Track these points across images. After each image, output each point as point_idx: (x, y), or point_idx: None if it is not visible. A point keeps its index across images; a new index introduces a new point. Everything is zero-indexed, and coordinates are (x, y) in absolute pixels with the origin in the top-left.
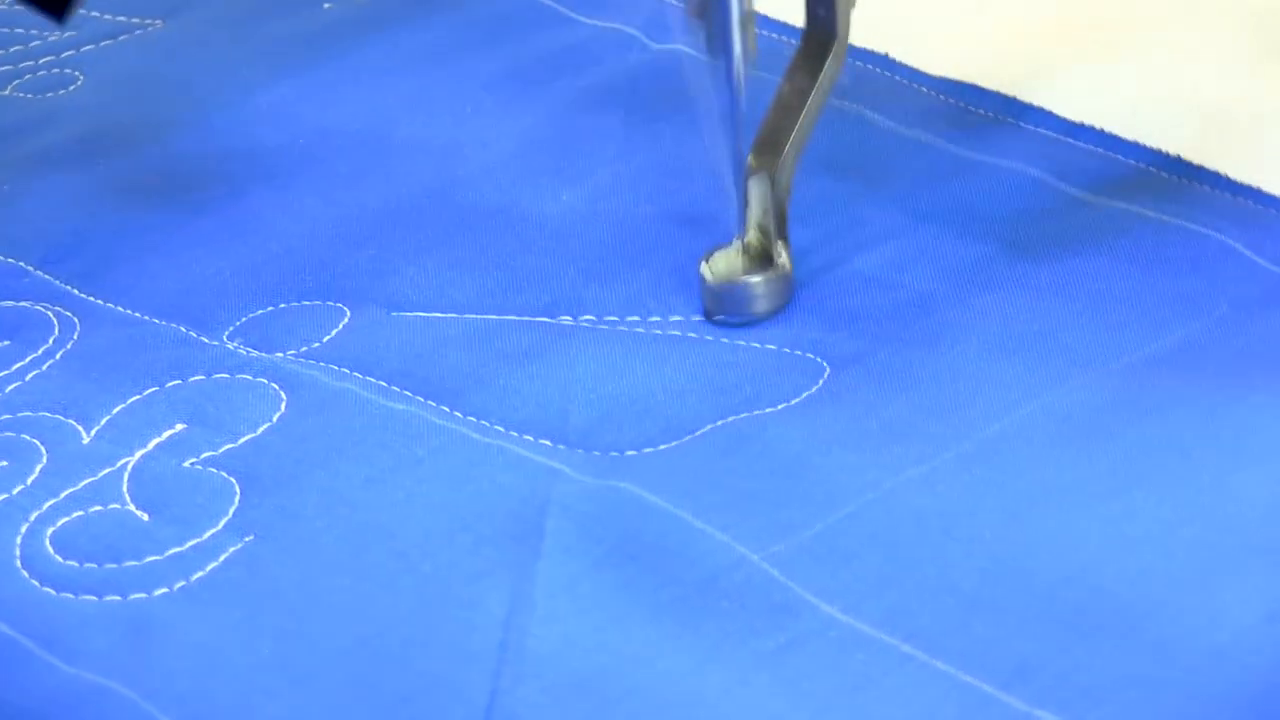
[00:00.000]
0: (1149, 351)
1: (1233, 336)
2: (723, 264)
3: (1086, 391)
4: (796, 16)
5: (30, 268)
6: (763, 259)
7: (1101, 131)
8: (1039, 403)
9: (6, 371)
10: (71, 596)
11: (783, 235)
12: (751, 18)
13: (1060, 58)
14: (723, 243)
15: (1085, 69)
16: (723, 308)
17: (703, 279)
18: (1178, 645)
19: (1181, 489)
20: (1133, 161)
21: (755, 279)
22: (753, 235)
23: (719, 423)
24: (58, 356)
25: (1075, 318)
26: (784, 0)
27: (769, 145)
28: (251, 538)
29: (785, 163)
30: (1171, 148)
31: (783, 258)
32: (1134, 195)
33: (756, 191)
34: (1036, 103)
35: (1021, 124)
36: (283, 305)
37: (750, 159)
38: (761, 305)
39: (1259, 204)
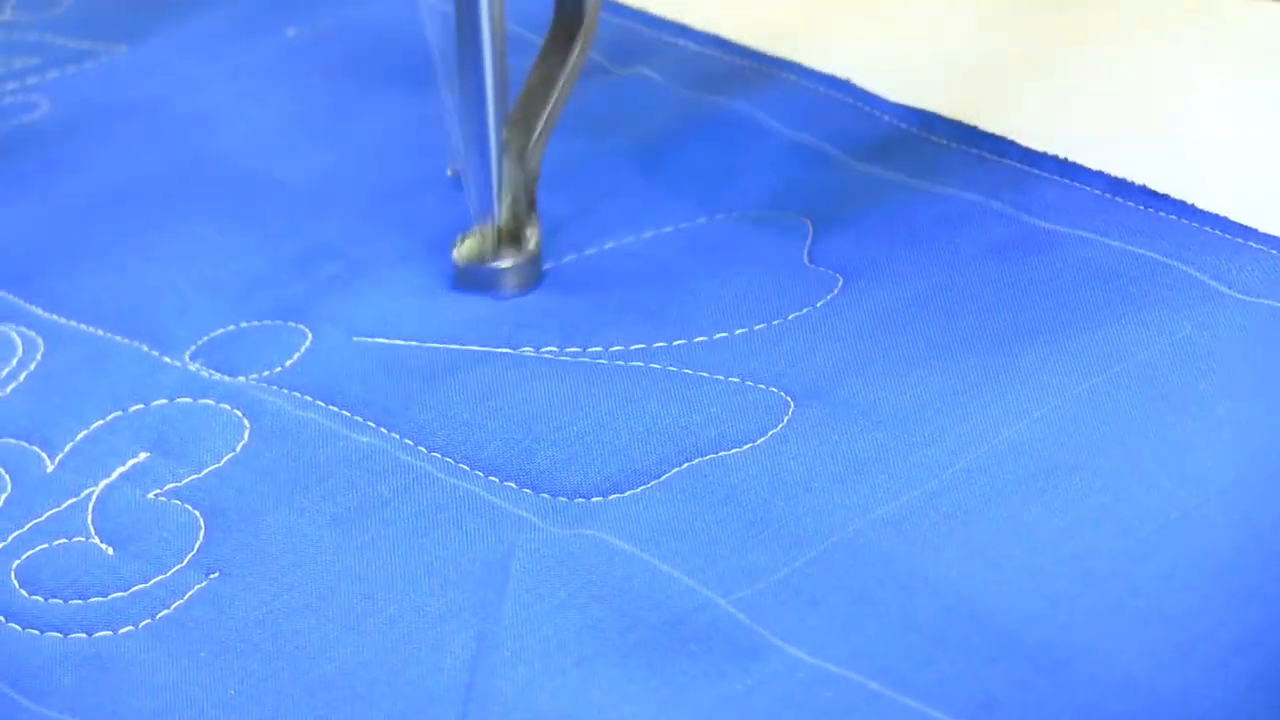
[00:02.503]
0: (1111, 374)
1: (1197, 359)
2: (473, 244)
3: (1049, 423)
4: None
5: None
6: (512, 240)
7: (1063, 160)
8: (1002, 437)
9: None
10: (36, 633)
11: (533, 217)
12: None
13: (1019, 84)
14: (478, 222)
15: (1045, 96)
16: (471, 286)
17: (453, 259)
18: (1144, 681)
19: (1145, 523)
20: (1095, 190)
21: (502, 262)
22: (504, 217)
23: (684, 465)
24: (21, 379)
25: (1037, 347)
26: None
27: (520, 128)
28: (216, 575)
29: (536, 146)
30: (1135, 175)
31: (531, 240)
32: (1095, 224)
33: (509, 170)
34: (996, 131)
35: (982, 153)
36: (244, 324)
37: (505, 137)
38: (509, 286)
39: (1225, 233)
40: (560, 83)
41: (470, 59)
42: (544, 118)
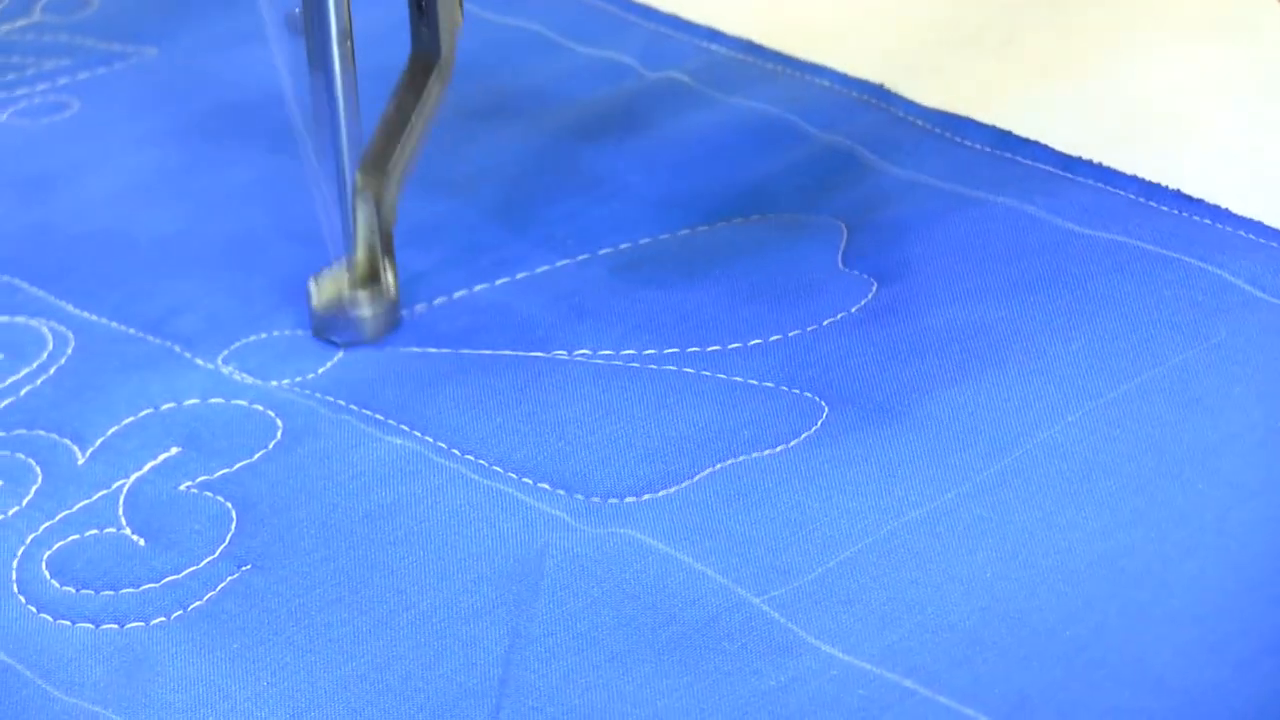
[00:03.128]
0: (1145, 379)
1: (1230, 362)
2: (330, 285)
3: (1083, 426)
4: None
5: (24, 284)
6: (369, 280)
7: (1097, 164)
8: (1036, 441)
9: (1, 386)
10: (68, 624)
11: (389, 256)
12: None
13: (1052, 88)
14: (332, 264)
15: (1079, 100)
16: (329, 330)
17: (309, 299)
18: (1177, 681)
19: (1179, 525)
20: (1129, 194)
21: (360, 302)
22: (361, 255)
23: (717, 466)
24: (51, 372)
25: (1071, 351)
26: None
27: (375, 166)
28: (249, 567)
29: (390, 183)
30: (1169, 179)
31: (388, 279)
32: (1130, 228)
33: (363, 212)
34: (1030, 135)
35: (1016, 157)
36: (276, 333)
37: (357, 179)
38: (367, 328)
39: (1260, 237)
40: (416, 121)
41: (323, 95)
42: (400, 158)
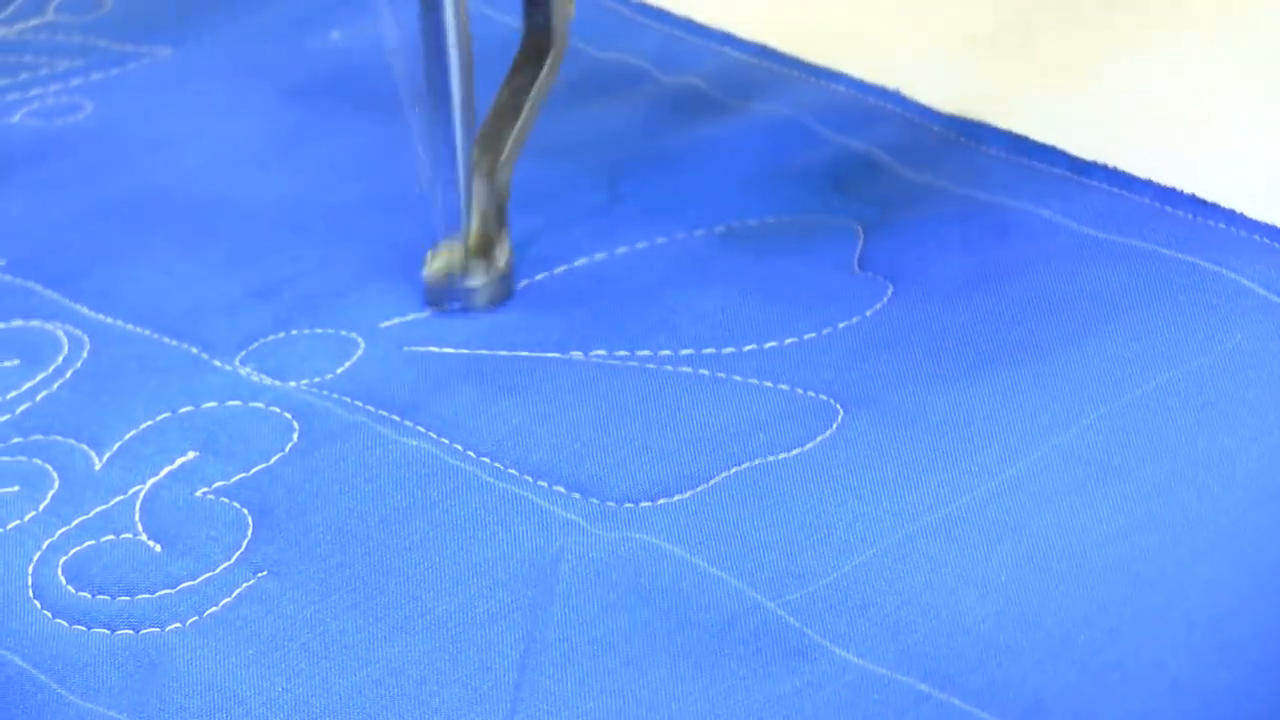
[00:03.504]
0: (1161, 382)
1: (1246, 367)
2: (443, 259)
3: (1098, 430)
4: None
5: (39, 287)
6: (482, 255)
7: (1112, 169)
8: (1052, 444)
9: (17, 391)
10: (84, 629)
11: (503, 232)
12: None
13: (1071, 94)
14: (448, 239)
15: (1095, 104)
16: (441, 301)
17: (424, 272)
18: (1192, 684)
19: (1194, 528)
20: (1144, 199)
21: (472, 276)
22: (474, 232)
23: (733, 470)
24: (67, 376)
25: (1086, 355)
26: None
27: (490, 146)
28: (265, 573)
29: (505, 163)
30: (1185, 184)
31: (502, 255)
32: (1146, 233)
33: (478, 190)
34: (1046, 140)
35: (1031, 162)
36: (294, 332)
37: (473, 156)
38: (478, 300)
39: (1275, 241)
40: (529, 101)
41: (438, 77)
42: (513, 136)
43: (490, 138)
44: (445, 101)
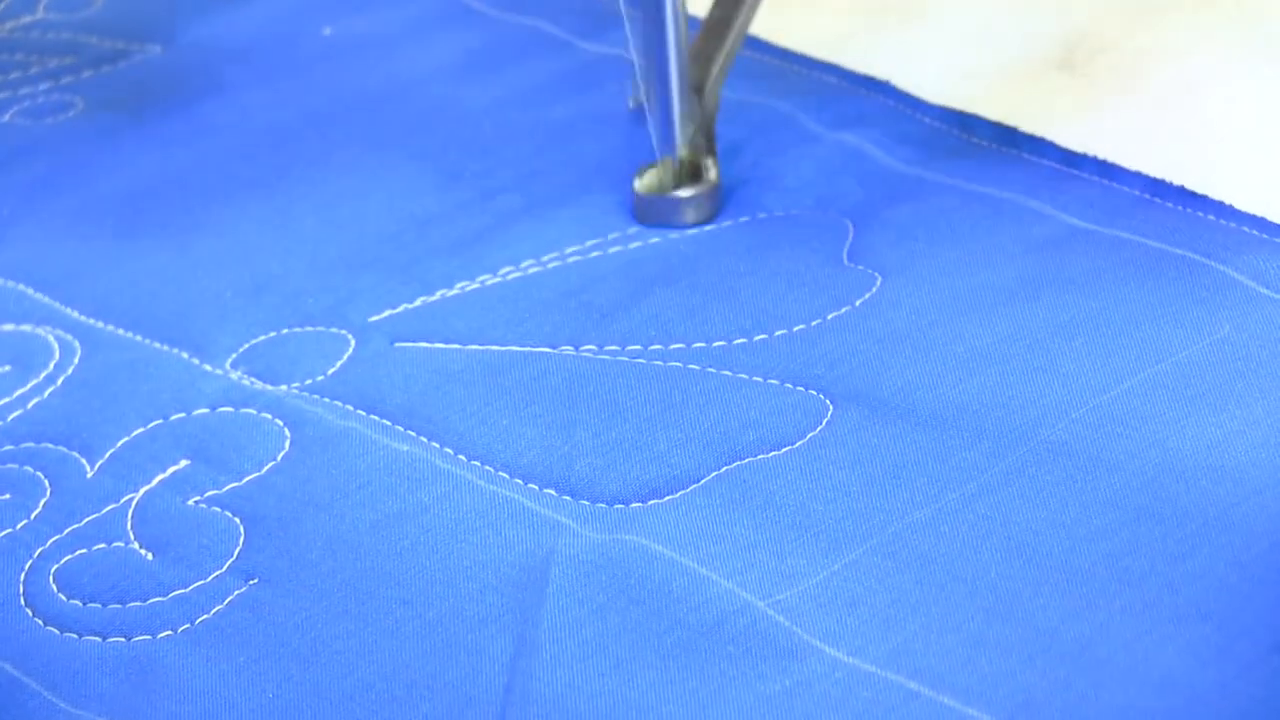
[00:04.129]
0: (1149, 374)
1: (1234, 358)
2: (653, 177)
3: (1087, 423)
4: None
5: (30, 290)
6: (692, 173)
7: (1102, 161)
8: (1041, 438)
9: (8, 399)
10: (75, 637)
11: (712, 151)
12: None
13: (1060, 86)
14: (655, 160)
15: (1086, 97)
16: (651, 217)
17: (634, 190)
18: (1182, 679)
19: (1183, 522)
20: (1134, 190)
21: (683, 191)
22: (683, 150)
23: (723, 469)
24: (59, 383)
25: (1075, 347)
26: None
27: (699, 65)
28: (256, 580)
29: (715, 82)
30: (1174, 176)
31: (711, 171)
32: (1135, 224)
33: (688, 108)
34: (1035, 132)
35: (1021, 154)
36: (285, 331)
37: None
38: (689, 215)
39: (1263, 233)
40: (738, 21)
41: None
42: (723, 55)
43: (701, 57)
44: (659, 18)
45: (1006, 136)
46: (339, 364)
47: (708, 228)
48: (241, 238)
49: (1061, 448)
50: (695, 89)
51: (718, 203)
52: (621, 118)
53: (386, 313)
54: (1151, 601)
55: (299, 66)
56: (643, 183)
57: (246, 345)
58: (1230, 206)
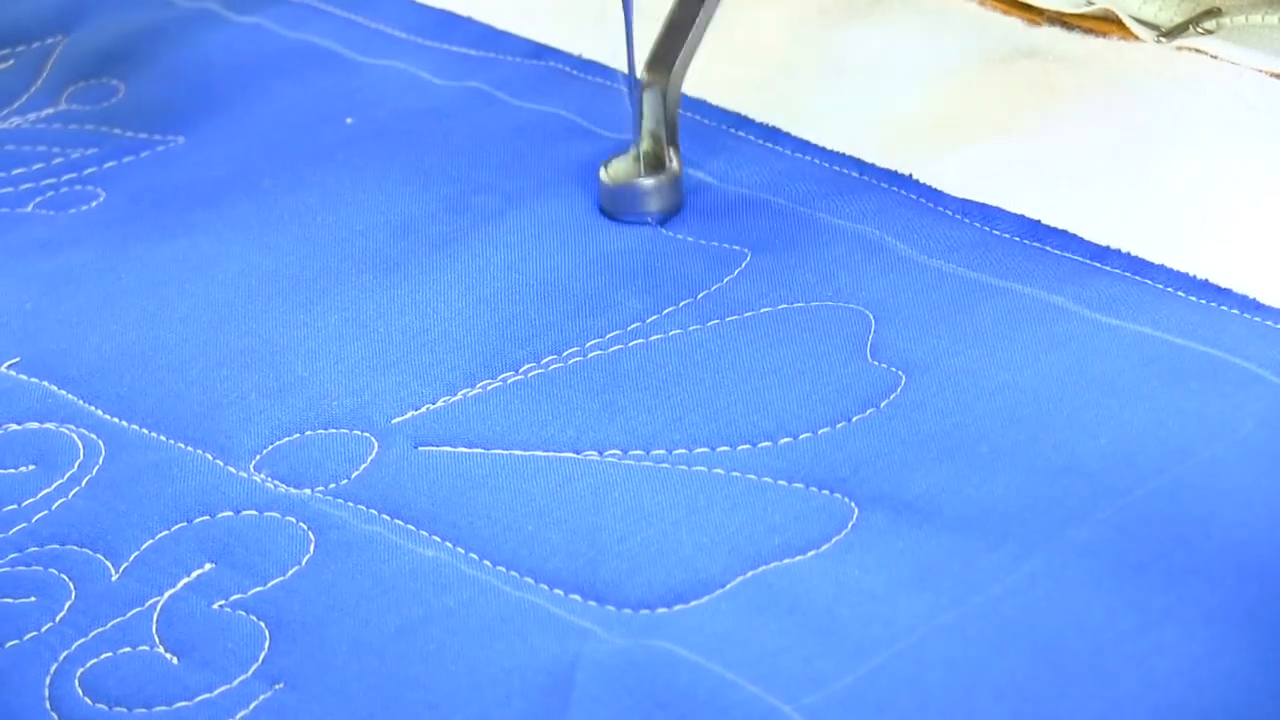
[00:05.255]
0: (1174, 474)
1: (1259, 456)
2: (619, 168)
3: (1112, 524)
4: None
5: (54, 388)
6: (655, 164)
7: (1126, 254)
8: (1066, 540)
9: (33, 499)
10: None
11: (674, 143)
12: None
13: (1085, 180)
14: (620, 151)
15: (1109, 191)
16: (619, 208)
17: (600, 180)
18: None
19: (1210, 623)
20: (1158, 284)
21: (648, 181)
22: (646, 143)
23: (749, 574)
24: (83, 483)
25: (1099, 447)
26: None
27: (661, 61)
28: (281, 685)
29: (675, 77)
30: (1198, 270)
31: (673, 163)
32: (1159, 320)
33: (650, 104)
34: (1060, 225)
35: (1045, 247)
36: (309, 433)
37: (643, 73)
38: (654, 204)
39: None
40: (698, 18)
41: None
42: (683, 51)
43: (662, 53)
44: (626, 17)
45: (1029, 230)
46: (362, 467)
47: (730, 318)
48: (265, 335)
49: (1087, 549)
50: (657, 83)
51: (680, 194)
52: None
53: (410, 414)
54: (1179, 703)
55: (321, 156)
56: (608, 174)
57: (270, 446)
58: (1255, 300)
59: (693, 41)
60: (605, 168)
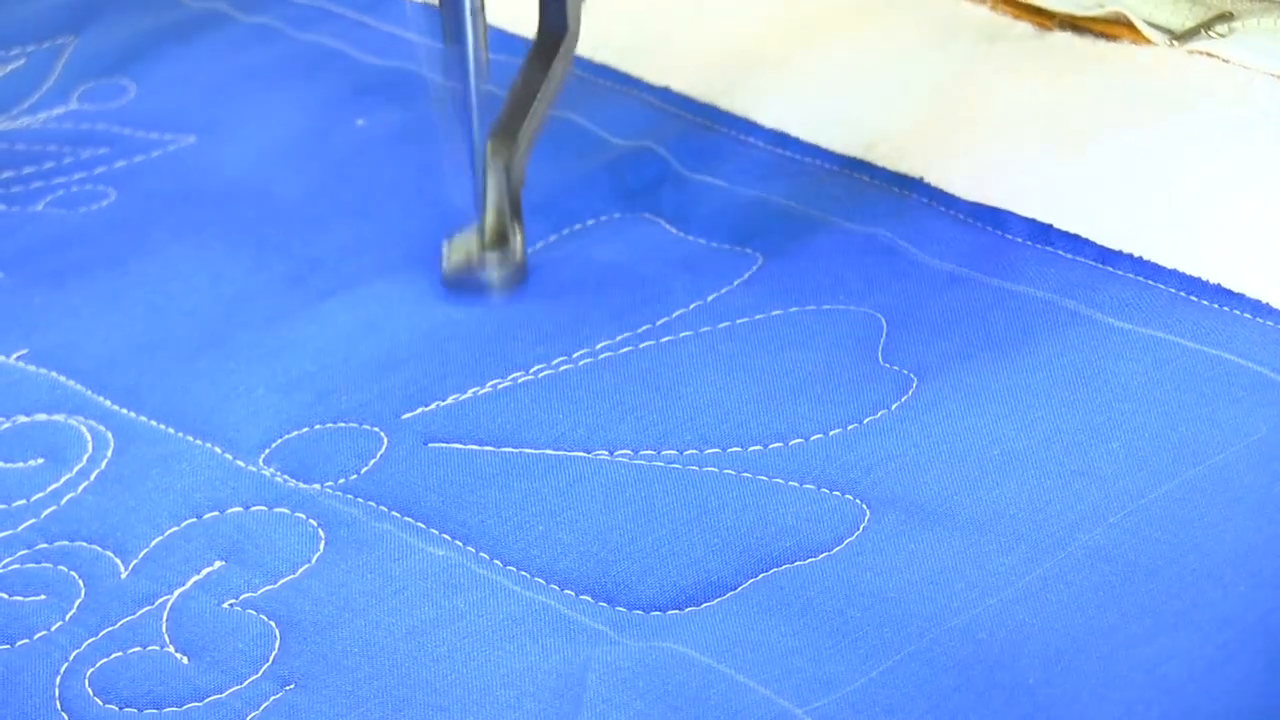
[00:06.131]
0: (1187, 478)
1: (1272, 460)
2: (461, 245)
3: (1125, 528)
4: None
5: (62, 378)
6: (499, 241)
7: (1138, 258)
8: (1079, 543)
9: (41, 494)
10: None
11: (517, 219)
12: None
13: (1096, 184)
14: (464, 225)
15: (1121, 194)
16: (461, 285)
17: (442, 258)
18: None
19: (1223, 628)
20: (1170, 289)
21: (492, 257)
22: (490, 219)
23: (760, 576)
24: (92, 477)
25: (1112, 450)
26: None
27: (505, 136)
28: (292, 686)
29: (519, 152)
30: (1210, 274)
31: (516, 240)
32: (1171, 324)
33: (493, 179)
34: (1071, 229)
35: (1057, 251)
36: (318, 426)
37: (487, 148)
38: (495, 283)
39: None
40: (542, 94)
41: (456, 69)
42: (527, 128)
43: (506, 129)
44: (464, 91)
45: (1041, 233)
46: (372, 463)
47: (740, 321)
48: (274, 330)
49: (1099, 552)
50: (501, 163)
51: (524, 271)
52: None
53: (419, 410)
54: (1190, 709)
55: (332, 159)
56: (450, 251)
57: (279, 440)
58: (1267, 305)
59: (538, 113)
60: (448, 243)
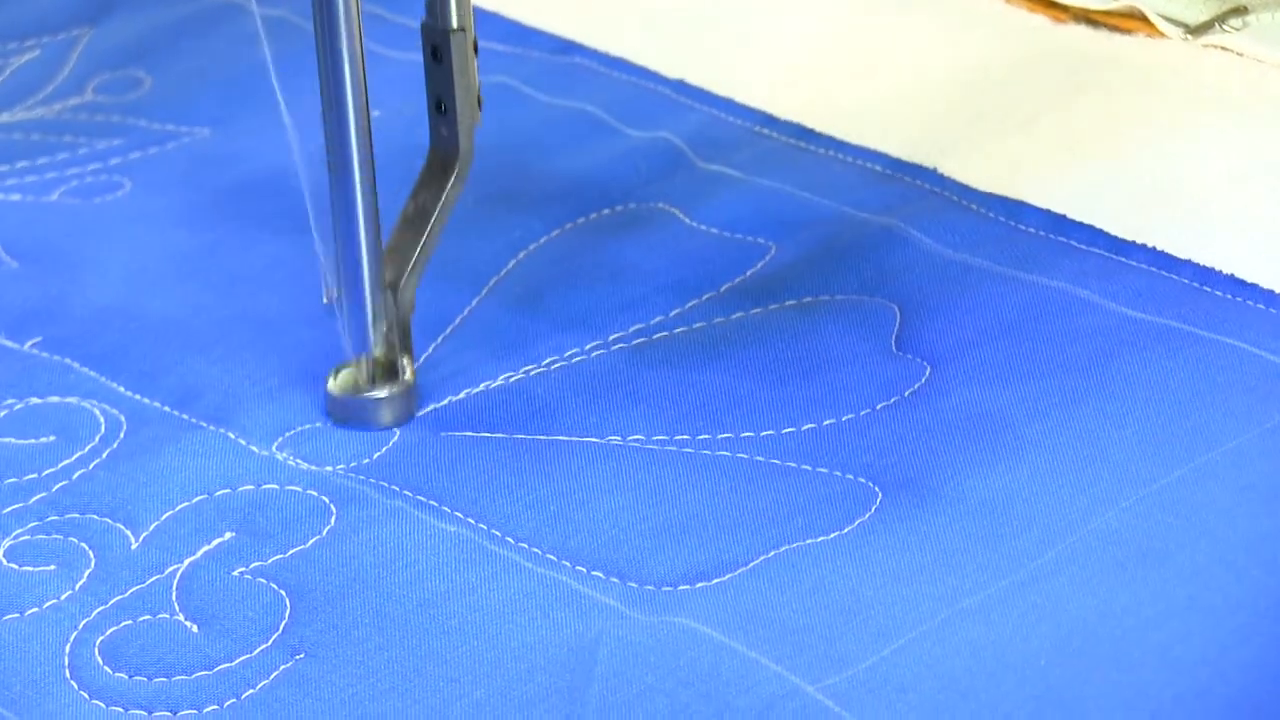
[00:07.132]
0: (1199, 464)
1: None
2: (348, 376)
3: (1137, 512)
4: None
5: (76, 364)
6: (388, 372)
7: (1151, 249)
8: (1091, 527)
9: (53, 469)
10: (121, 710)
11: (407, 350)
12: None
13: (1110, 175)
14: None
15: (1132, 186)
16: (348, 418)
17: (328, 389)
18: None
19: (1234, 612)
20: (1183, 279)
21: (378, 392)
22: (379, 349)
23: (771, 554)
24: (104, 456)
25: (1125, 436)
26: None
27: (394, 262)
28: (302, 655)
29: (409, 280)
30: (1223, 264)
31: (407, 372)
32: (1184, 314)
33: (383, 306)
34: (1085, 220)
35: (1070, 242)
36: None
37: (379, 273)
38: (384, 418)
39: None
40: (435, 215)
41: (341, 192)
42: (419, 251)
43: (396, 252)
44: (349, 214)
45: (1055, 224)
46: (384, 449)
47: (754, 311)
48: (288, 324)
49: (1111, 536)
50: (390, 286)
51: (414, 403)
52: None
53: (430, 407)
54: (1202, 691)
55: None
56: (337, 382)
57: (293, 430)
58: (1279, 295)
59: (430, 240)
60: (334, 375)
